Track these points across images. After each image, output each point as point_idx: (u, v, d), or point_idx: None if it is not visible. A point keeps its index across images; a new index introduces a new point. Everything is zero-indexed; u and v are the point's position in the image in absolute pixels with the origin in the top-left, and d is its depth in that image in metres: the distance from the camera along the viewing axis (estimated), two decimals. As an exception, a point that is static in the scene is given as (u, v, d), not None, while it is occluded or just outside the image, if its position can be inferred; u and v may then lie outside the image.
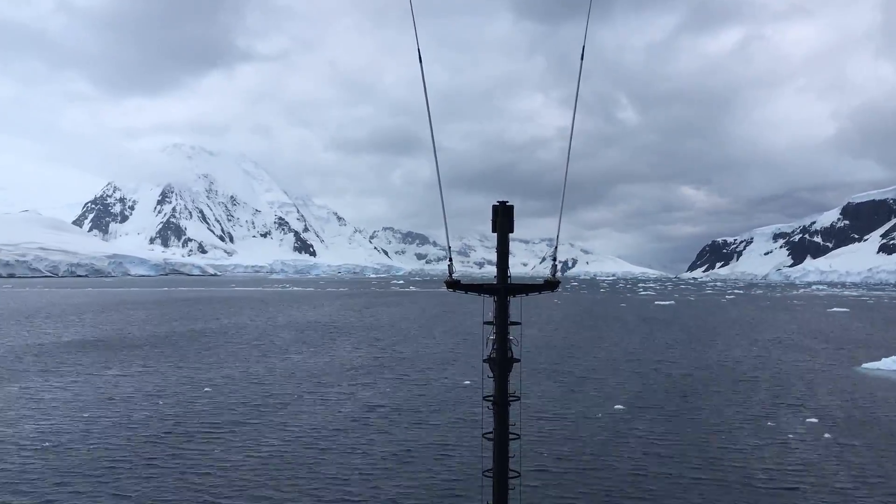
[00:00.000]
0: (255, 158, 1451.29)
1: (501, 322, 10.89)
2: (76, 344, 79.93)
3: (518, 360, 11.01)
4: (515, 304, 11.03)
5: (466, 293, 11.29)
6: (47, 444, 36.13)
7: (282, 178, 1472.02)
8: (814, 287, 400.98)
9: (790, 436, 39.64)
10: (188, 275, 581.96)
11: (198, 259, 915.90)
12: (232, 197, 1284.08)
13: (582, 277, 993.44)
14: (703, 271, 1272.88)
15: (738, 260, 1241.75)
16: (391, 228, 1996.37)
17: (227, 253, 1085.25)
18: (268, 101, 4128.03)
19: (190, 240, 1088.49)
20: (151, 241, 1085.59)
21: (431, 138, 11.46)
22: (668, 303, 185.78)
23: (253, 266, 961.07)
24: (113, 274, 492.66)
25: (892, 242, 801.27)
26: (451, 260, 11.60)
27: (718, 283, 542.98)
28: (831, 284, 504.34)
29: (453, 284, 11.23)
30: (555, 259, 12.07)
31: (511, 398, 10.89)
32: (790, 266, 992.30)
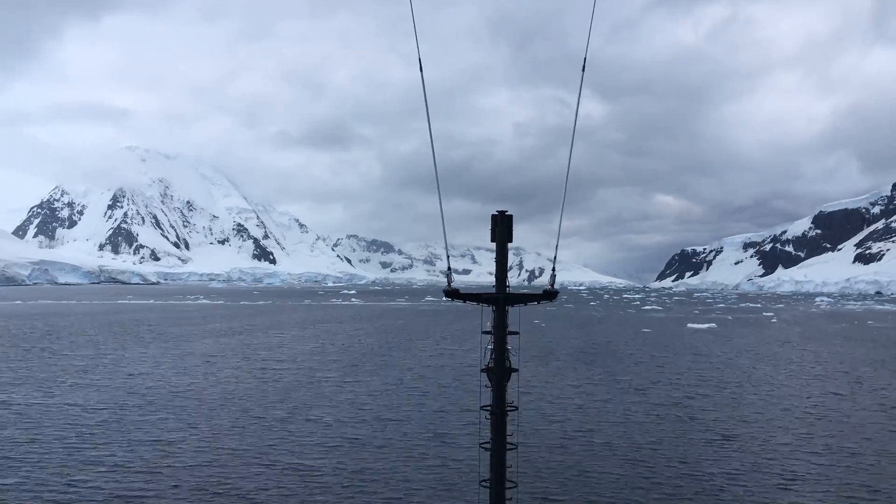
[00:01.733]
0: (167, 151, 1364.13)
1: (500, 332, 10.89)
2: None
3: (516, 370, 11.02)
4: (512, 312, 10.93)
5: (465, 302, 11.30)
6: None
7: (226, 175, 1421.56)
8: (818, 300, 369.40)
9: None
10: (125, 283, 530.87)
11: (146, 266, 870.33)
12: (188, 202, 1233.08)
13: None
14: (673, 280, 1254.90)
15: (707, 269, 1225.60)
16: (355, 236, 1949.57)
17: (182, 260, 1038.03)
18: (166, 75, 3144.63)
19: (142, 246, 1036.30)
20: (101, 247, 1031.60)
21: (431, 147, 11.54)
22: (705, 326, 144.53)
23: (208, 274, 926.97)
24: (28, 282, 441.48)
25: (867, 252, 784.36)
26: (449, 269, 11.81)
27: (707, 295, 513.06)
28: (834, 297, 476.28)
29: (452, 293, 11.27)
30: (553, 270, 12.08)
31: (509, 408, 10.91)
32: (761, 276, 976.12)
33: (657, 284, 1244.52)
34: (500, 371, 10.79)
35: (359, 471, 33.80)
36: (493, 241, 10.94)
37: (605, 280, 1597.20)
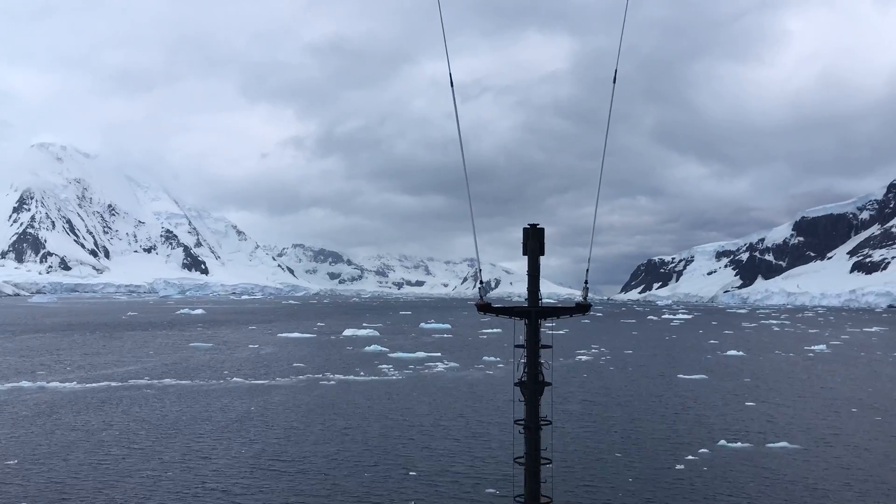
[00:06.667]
0: (87, 150, 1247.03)
1: (532, 345, 10.93)
2: None
3: (549, 384, 11.01)
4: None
5: (497, 316, 11.32)
6: None
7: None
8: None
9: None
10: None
11: (53, 276, 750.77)
12: (110, 206, 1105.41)
13: (507, 298, 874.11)
14: (640, 293, 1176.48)
15: (677, 280, 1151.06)
16: (301, 245, 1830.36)
17: (98, 270, 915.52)
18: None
19: (50, 254, 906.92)
20: (3, 255, 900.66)
21: (462, 163, 11.56)
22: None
23: (128, 285, 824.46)
24: None
25: (867, 260, 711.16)
26: (482, 282, 12.05)
27: (703, 309, 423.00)
28: (848, 310, 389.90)
29: (484, 307, 11.37)
30: (586, 283, 12.21)
31: (543, 422, 10.91)
32: (740, 287, 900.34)
33: (623, 296, 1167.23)
34: (533, 385, 10.65)
35: (393, 486, 32.77)
36: (524, 254, 10.91)
37: (563, 292, 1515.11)
